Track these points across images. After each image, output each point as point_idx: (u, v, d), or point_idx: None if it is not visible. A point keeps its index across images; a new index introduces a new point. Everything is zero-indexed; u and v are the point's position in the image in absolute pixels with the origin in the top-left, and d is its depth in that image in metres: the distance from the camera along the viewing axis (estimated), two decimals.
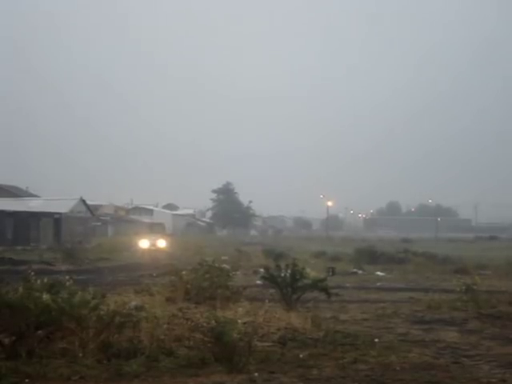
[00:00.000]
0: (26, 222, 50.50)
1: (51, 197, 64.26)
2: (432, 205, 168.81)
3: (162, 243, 44.84)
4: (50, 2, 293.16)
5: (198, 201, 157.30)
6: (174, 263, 25.18)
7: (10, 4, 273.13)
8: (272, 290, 15.55)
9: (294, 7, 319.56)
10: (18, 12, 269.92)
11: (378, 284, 23.22)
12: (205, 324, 10.74)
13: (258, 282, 18.69)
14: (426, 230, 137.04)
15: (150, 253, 41.30)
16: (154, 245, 44.43)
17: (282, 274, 14.57)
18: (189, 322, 11.47)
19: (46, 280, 10.23)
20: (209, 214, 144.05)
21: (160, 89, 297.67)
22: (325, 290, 14.23)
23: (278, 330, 11.39)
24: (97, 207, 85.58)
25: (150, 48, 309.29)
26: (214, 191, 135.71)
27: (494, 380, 8.35)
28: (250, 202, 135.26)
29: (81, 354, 8.79)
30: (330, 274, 24.18)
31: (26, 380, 7.87)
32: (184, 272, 15.91)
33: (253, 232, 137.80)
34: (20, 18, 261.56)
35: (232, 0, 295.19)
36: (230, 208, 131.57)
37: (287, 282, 14.38)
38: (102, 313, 9.35)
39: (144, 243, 44.60)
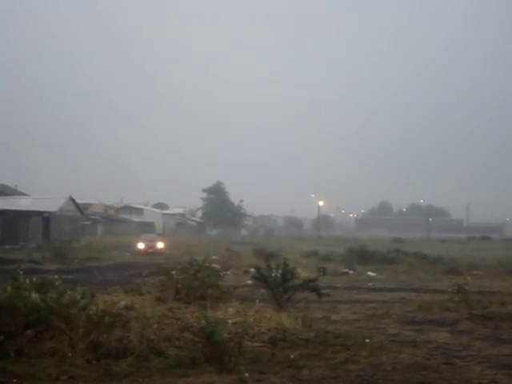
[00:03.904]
0: (15, 221, 50.09)
1: (40, 195, 63.86)
2: (424, 205, 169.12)
3: (160, 245, 46.01)
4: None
5: (188, 200, 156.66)
6: (164, 262, 25.14)
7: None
8: (263, 290, 15.50)
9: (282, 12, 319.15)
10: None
11: (369, 284, 23.25)
12: (195, 324, 10.70)
13: (249, 281, 18.68)
14: (417, 230, 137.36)
15: (147, 253, 42.22)
16: (152, 247, 45.13)
17: (273, 274, 14.55)
18: (179, 322, 11.45)
19: (34, 279, 10.20)
20: (199, 213, 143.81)
21: (150, 90, 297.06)
22: (316, 290, 14.20)
23: (269, 330, 11.37)
24: (86, 206, 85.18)
25: (132, 49, 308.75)
26: (205, 190, 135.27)
27: (485, 381, 8.35)
28: (241, 201, 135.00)
29: (70, 354, 8.74)
30: (321, 274, 24.30)
31: (15, 380, 7.82)
32: (174, 271, 15.84)
33: (243, 231, 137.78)
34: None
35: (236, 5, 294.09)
36: (220, 207, 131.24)
37: (278, 282, 14.35)
38: (91, 312, 9.31)
39: (142, 245, 45.36)
